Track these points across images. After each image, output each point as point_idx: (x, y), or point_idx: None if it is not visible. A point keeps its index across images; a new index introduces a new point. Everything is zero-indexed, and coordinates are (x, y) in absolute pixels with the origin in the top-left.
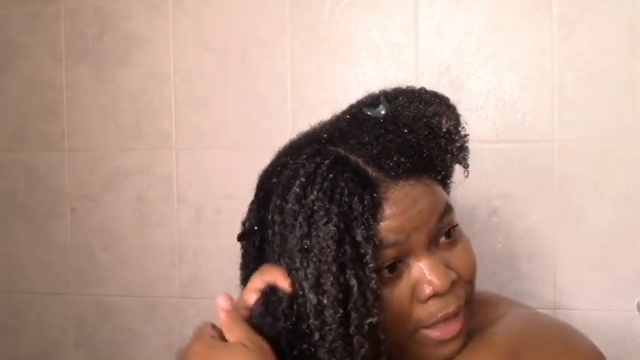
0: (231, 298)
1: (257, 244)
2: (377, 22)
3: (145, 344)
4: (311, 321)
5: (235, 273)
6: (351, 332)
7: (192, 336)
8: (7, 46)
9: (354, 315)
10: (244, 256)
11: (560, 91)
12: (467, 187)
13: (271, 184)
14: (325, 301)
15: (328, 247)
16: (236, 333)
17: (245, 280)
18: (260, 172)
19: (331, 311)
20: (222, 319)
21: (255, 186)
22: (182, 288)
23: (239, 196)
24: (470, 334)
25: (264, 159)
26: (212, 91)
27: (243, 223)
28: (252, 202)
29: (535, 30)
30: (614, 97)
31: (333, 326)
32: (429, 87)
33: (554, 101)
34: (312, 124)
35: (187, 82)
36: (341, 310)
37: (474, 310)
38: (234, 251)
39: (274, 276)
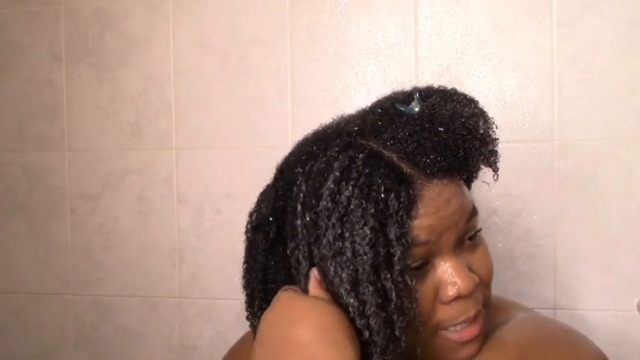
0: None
1: (271, 235)
2: (377, 22)
3: (144, 344)
4: (357, 322)
5: (235, 273)
6: (397, 334)
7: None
8: (7, 46)
9: (395, 318)
10: (250, 248)
11: (560, 91)
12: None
13: (295, 173)
14: (368, 311)
15: (365, 253)
16: (321, 293)
17: (249, 272)
18: (280, 161)
19: (375, 319)
20: (313, 284)
21: (256, 184)
22: (182, 288)
23: (239, 196)
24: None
25: (264, 159)
26: (212, 91)
27: (251, 214)
28: (266, 192)
29: (535, 30)
30: (614, 97)
31: (380, 332)
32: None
33: (554, 101)
34: (312, 126)
35: (187, 82)
36: (383, 314)
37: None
38: (234, 251)
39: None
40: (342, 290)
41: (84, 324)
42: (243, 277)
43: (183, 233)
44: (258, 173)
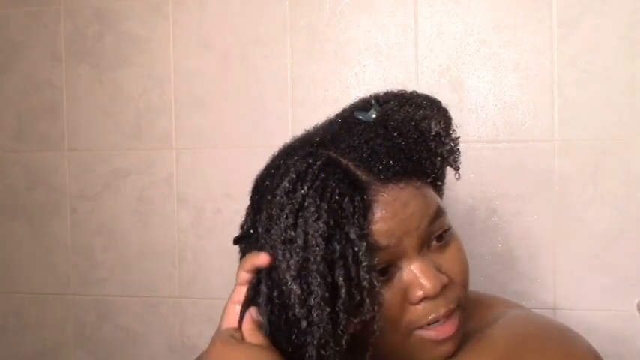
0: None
1: (253, 247)
2: (377, 22)
3: (144, 344)
4: (296, 310)
5: (235, 273)
6: (339, 332)
7: (213, 335)
8: (7, 46)
9: (342, 315)
10: (241, 258)
11: (560, 91)
12: (467, 187)
13: (264, 187)
14: (312, 301)
15: (317, 244)
16: (255, 336)
17: None
18: (255, 177)
19: (319, 310)
20: (247, 324)
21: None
22: (182, 288)
23: (239, 196)
24: (467, 335)
25: (264, 159)
26: (212, 91)
27: (241, 227)
28: (249, 206)
29: (535, 30)
30: (614, 97)
31: (321, 324)
32: (428, 87)
33: (554, 101)
34: (309, 127)
35: (187, 82)
36: (328, 309)
37: (471, 312)
38: (234, 251)
39: (252, 260)
40: (287, 276)
41: (84, 324)
42: None
43: (183, 233)
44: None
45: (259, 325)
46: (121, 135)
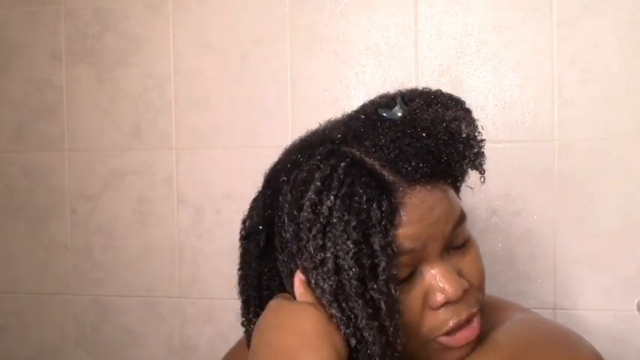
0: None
1: (262, 243)
2: (377, 22)
3: (144, 344)
4: (344, 331)
5: (235, 273)
6: (391, 340)
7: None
8: (7, 46)
9: (388, 324)
10: (244, 255)
11: (560, 91)
12: (467, 187)
13: (280, 182)
14: (361, 324)
15: (350, 267)
16: (308, 297)
17: (244, 279)
18: (267, 170)
19: (369, 330)
20: (297, 287)
21: (256, 184)
22: (182, 288)
23: (239, 196)
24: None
25: (264, 159)
26: (212, 91)
27: (244, 222)
28: (256, 200)
29: (535, 30)
30: (614, 97)
31: (376, 341)
32: (430, 87)
33: (554, 101)
34: (308, 127)
35: (187, 82)
36: (376, 324)
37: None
38: (233, 251)
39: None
40: (324, 300)
41: (84, 324)
42: (239, 283)
43: (183, 233)
44: (258, 173)
45: (309, 287)
46: (121, 135)
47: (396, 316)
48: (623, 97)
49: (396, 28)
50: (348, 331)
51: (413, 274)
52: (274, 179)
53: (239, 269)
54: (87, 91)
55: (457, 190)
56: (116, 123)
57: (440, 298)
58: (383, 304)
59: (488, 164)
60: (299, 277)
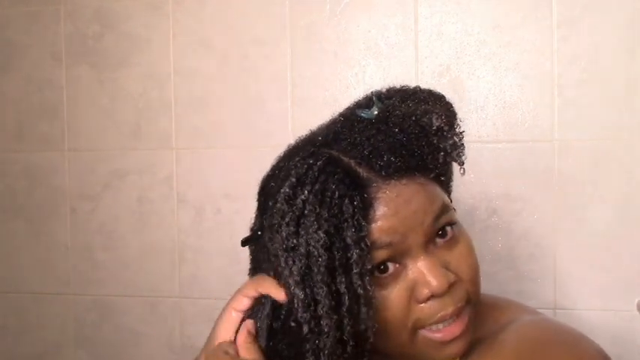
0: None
1: (261, 249)
2: (377, 22)
3: (145, 344)
4: (300, 315)
5: (235, 273)
6: (345, 339)
7: (203, 348)
8: (7, 46)
9: (346, 322)
10: (252, 260)
11: (560, 91)
12: (467, 187)
13: (269, 188)
14: (321, 311)
15: (319, 255)
16: (251, 351)
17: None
18: (262, 178)
19: (327, 320)
20: (242, 338)
21: (256, 184)
22: (182, 288)
23: (239, 196)
24: (479, 340)
25: (264, 159)
26: (212, 91)
27: (252, 229)
28: (257, 207)
29: (535, 30)
30: (614, 97)
31: (329, 333)
32: (428, 87)
33: (554, 101)
34: (309, 127)
35: (187, 82)
36: (335, 317)
37: (483, 314)
38: (233, 251)
39: (269, 287)
40: (290, 281)
41: (84, 324)
42: None
43: (183, 233)
44: (258, 173)
45: (255, 339)
46: (121, 135)
47: (365, 313)
48: (623, 97)
49: (396, 28)
50: (305, 315)
51: (397, 268)
52: (266, 186)
53: (248, 274)
54: (87, 91)
55: (444, 184)
56: (116, 123)
57: (425, 291)
58: (347, 300)
59: (489, 164)
60: (247, 328)
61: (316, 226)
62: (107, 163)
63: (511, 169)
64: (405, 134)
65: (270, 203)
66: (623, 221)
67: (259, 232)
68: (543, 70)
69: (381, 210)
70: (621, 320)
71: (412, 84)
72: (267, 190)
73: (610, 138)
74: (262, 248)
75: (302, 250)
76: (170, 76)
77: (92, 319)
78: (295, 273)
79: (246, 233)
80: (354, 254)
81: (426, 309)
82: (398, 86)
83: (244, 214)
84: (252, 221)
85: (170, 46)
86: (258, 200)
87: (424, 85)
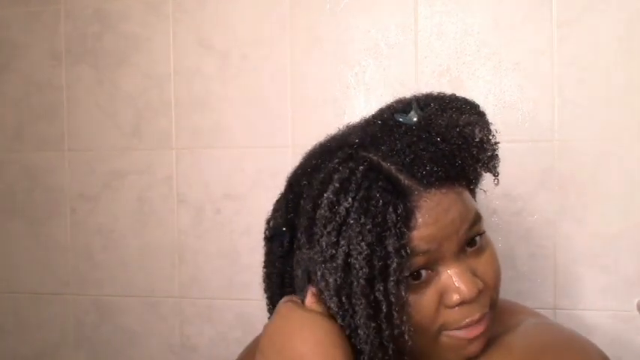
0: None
1: (286, 244)
2: (377, 22)
3: (144, 344)
4: (341, 324)
5: (235, 273)
6: (385, 343)
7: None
8: (7, 46)
9: (384, 327)
10: (269, 254)
11: (560, 91)
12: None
13: (301, 186)
14: (359, 321)
15: (360, 267)
16: (318, 307)
17: (268, 277)
18: (289, 174)
19: (365, 329)
20: (309, 299)
21: (256, 184)
22: (182, 288)
23: (239, 196)
24: (488, 341)
25: (264, 159)
26: (212, 91)
27: (268, 222)
28: (279, 202)
29: (535, 30)
30: (614, 97)
31: (368, 340)
32: (428, 87)
33: (554, 101)
34: (312, 126)
35: (187, 82)
36: (373, 324)
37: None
38: (233, 251)
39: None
40: (325, 294)
41: (84, 324)
42: (264, 281)
43: (183, 233)
44: (258, 173)
45: (320, 298)
46: (121, 135)
47: (399, 318)
48: (623, 97)
49: (396, 28)
50: (342, 324)
51: (429, 274)
52: (295, 183)
53: (264, 267)
54: (87, 91)
55: (472, 192)
56: (116, 123)
57: (455, 297)
58: (385, 307)
59: None
60: (311, 291)
61: (360, 238)
62: (107, 163)
63: (511, 169)
64: (448, 144)
65: (307, 206)
66: (624, 221)
67: (284, 229)
68: (543, 70)
69: (421, 218)
70: (621, 320)
71: (412, 84)
72: (299, 189)
73: (610, 138)
74: (281, 245)
75: (339, 261)
76: (170, 76)
77: (92, 319)
78: (331, 286)
79: (246, 233)
80: (394, 262)
81: (453, 314)
82: (435, 92)
83: (244, 214)
84: (270, 214)
85: (170, 46)
86: (286, 197)
87: (424, 86)
